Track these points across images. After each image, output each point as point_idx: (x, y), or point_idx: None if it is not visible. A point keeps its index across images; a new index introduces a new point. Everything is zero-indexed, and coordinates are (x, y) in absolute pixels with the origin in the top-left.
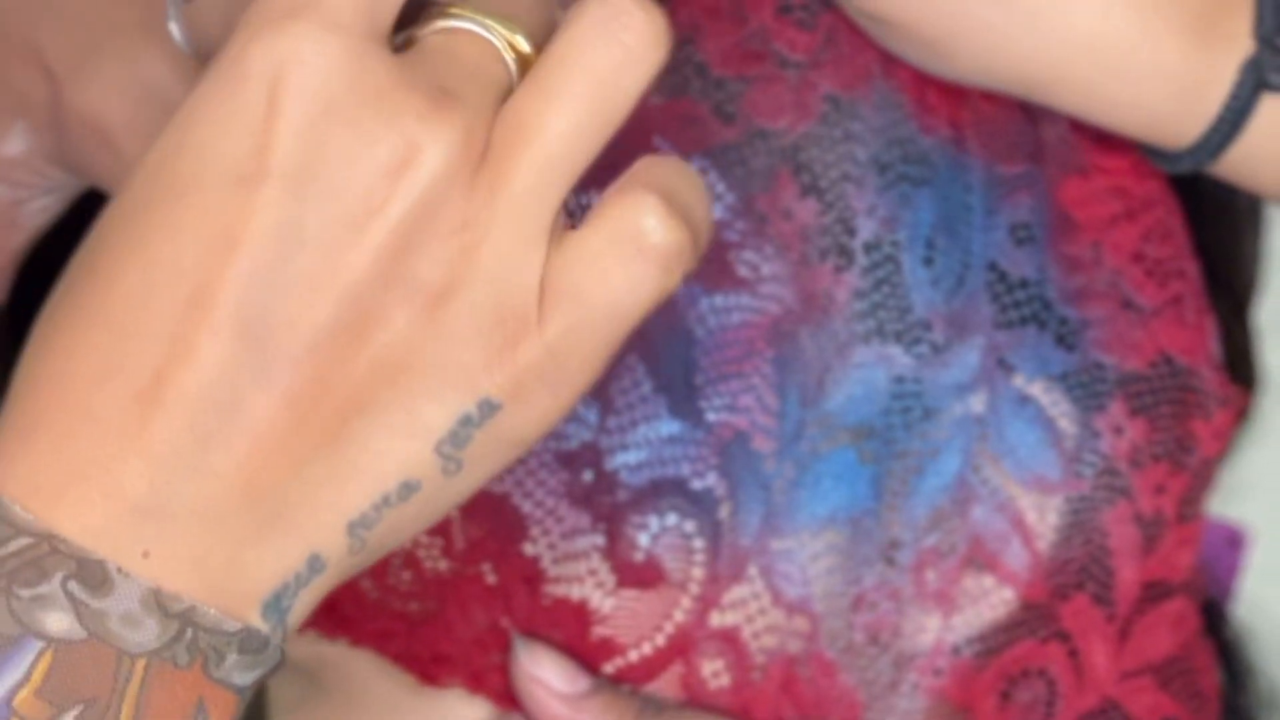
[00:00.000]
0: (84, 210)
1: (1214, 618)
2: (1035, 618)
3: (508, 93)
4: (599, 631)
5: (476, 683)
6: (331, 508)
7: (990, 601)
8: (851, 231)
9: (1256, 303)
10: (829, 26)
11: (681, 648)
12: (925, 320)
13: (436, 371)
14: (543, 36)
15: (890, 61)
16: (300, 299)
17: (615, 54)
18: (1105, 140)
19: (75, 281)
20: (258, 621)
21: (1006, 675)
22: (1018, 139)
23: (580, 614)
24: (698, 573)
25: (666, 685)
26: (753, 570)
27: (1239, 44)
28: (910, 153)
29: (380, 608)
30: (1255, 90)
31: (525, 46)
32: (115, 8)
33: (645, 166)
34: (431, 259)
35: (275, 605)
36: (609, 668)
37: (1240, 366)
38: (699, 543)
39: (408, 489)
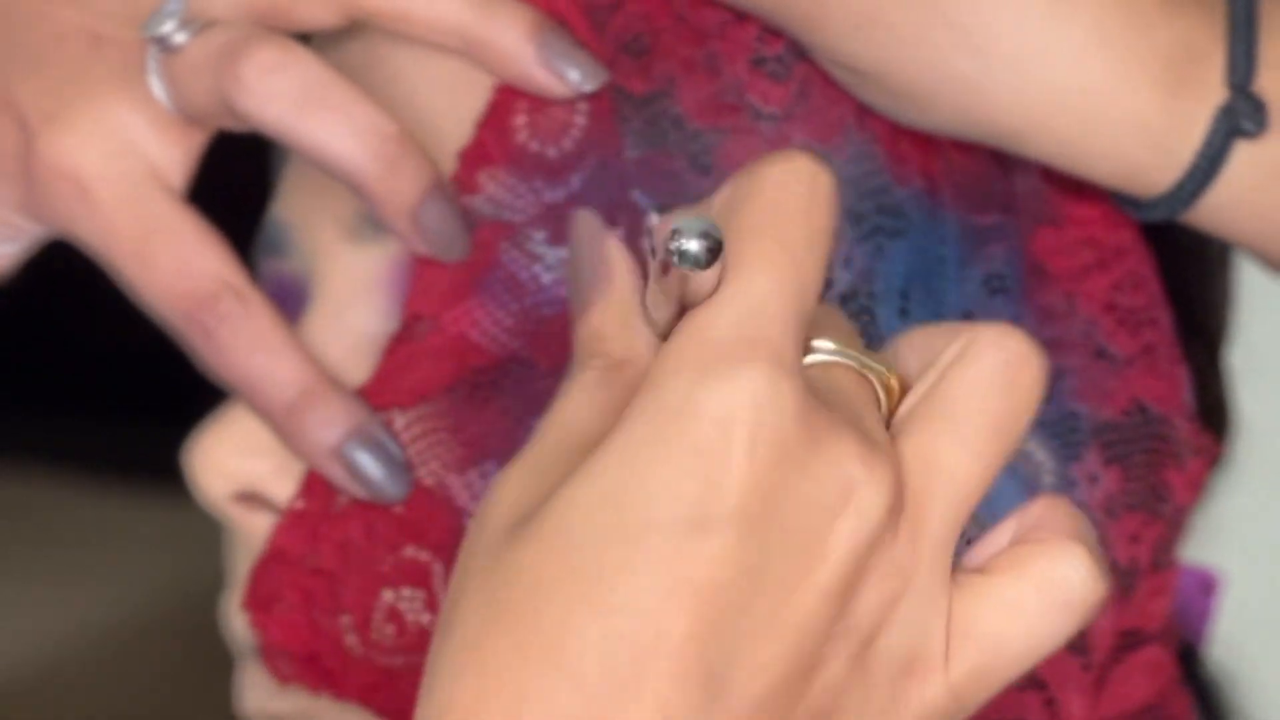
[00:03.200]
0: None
1: (1189, 662)
2: None
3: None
4: None
5: None
6: None
7: None
8: (828, 283)
9: (1228, 347)
10: (802, 78)
11: None
12: None
13: (853, 715)
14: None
15: (863, 113)
16: (757, 644)
17: (1015, 399)
18: (1077, 190)
19: (501, 610)
20: None
21: None
22: (991, 190)
23: None
24: None
25: None
26: None
27: (1212, 91)
28: (885, 204)
29: (364, 662)
30: (1228, 138)
31: (896, 383)
32: (90, 59)
33: (1057, 514)
34: (867, 603)
35: None
36: None
37: (1215, 411)
38: None
39: None
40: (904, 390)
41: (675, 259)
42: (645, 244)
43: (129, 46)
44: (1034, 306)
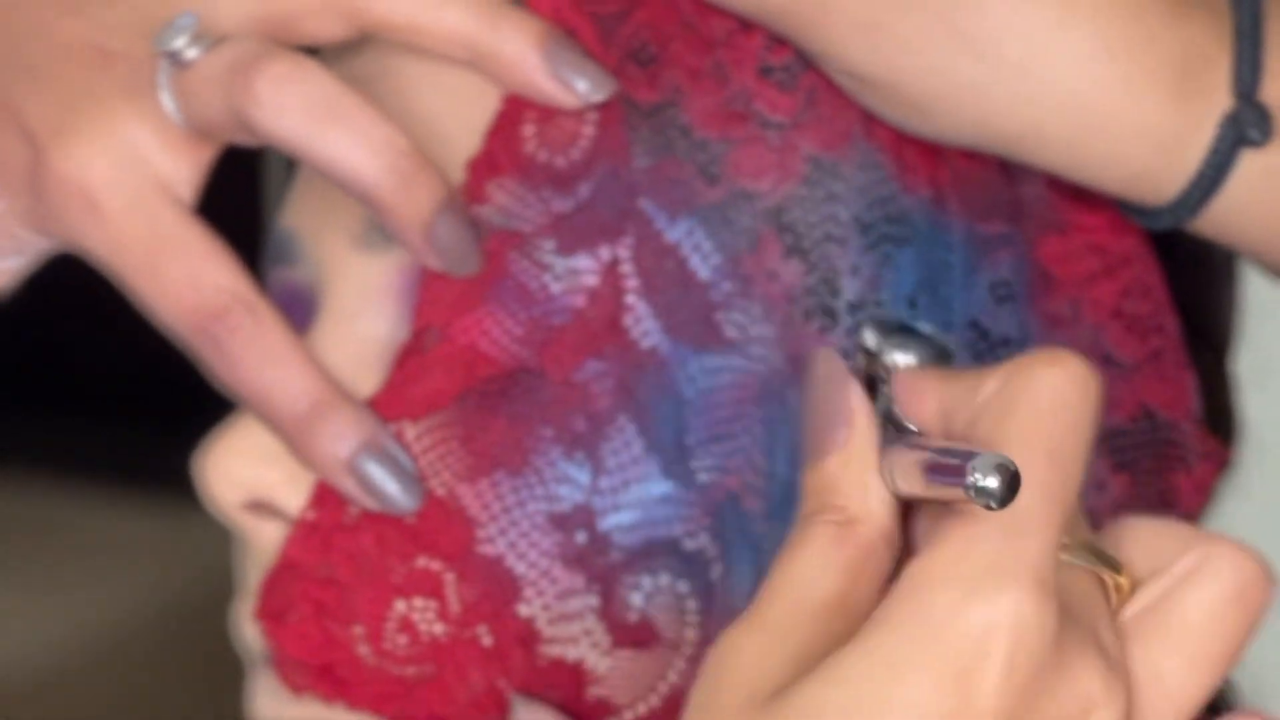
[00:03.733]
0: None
1: None
2: None
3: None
4: (595, 692)
5: None
6: None
7: None
8: (835, 292)
9: (1234, 354)
10: (809, 87)
11: (677, 708)
12: None
13: None
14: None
15: (870, 121)
16: None
17: (1246, 621)
18: (1082, 197)
19: None
20: None
21: None
22: (997, 198)
23: (576, 675)
24: (691, 634)
25: None
26: None
27: (1218, 99)
28: (892, 212)
29: (377, 672)
30: (1234, 146)
31: (1127, 585)
32: (98, 73)
33: None
34: None
35: None
36: None
37: (1221, 419)
38: (692, 603)
39: None
40: (1132, 588)
41: (971, 493)
42: (854, 364)
43: (138, 60)
44: (1040, 314)
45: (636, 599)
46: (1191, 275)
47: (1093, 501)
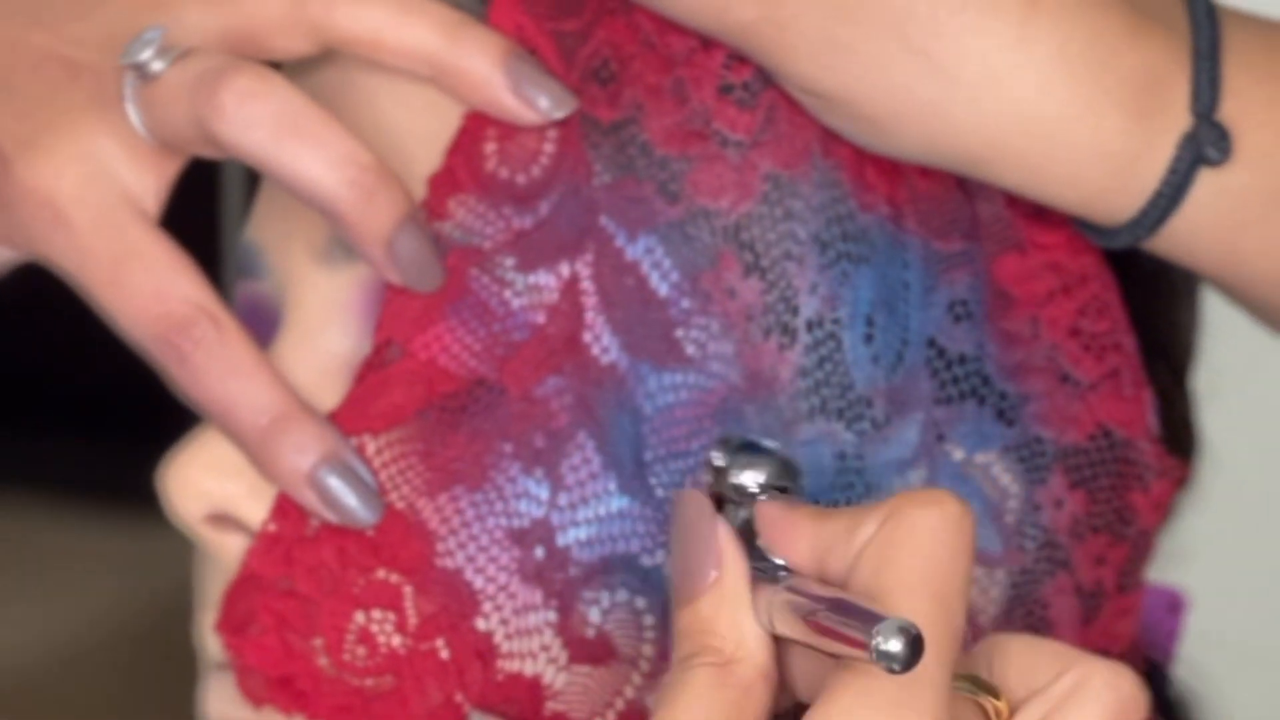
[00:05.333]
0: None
1: (1157, 681)
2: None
3: None
4: (552, 707)
5: None
6: None
7: None
8: (794, 310)
9: (1193, 370)
10: (769, 105)
11: None
12: (866, 397)
13: None
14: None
15: (829, 139)
16: None
17: None
18: (1040, 216)
19: None
20: None
21: None
22: (955, 216)
23: (533, 689)
24: (648, 649)
25: None
26: None
27: (1176, 118)
28: (850, 230)
29: (336, 684)
30: (1193, 165)
31: (1005, 710)
32: (66, 86)
33: None
34: None
35: None
36: None
37: (1181, 434)
38: (649, 619)
39: None
40: (1011, 712)
41: (874, 657)
42: (703, 479)
43: (105, 74)
44: (998, 332)
45: (594, 614)
46: (1154, 291)
47: (1049, 519)
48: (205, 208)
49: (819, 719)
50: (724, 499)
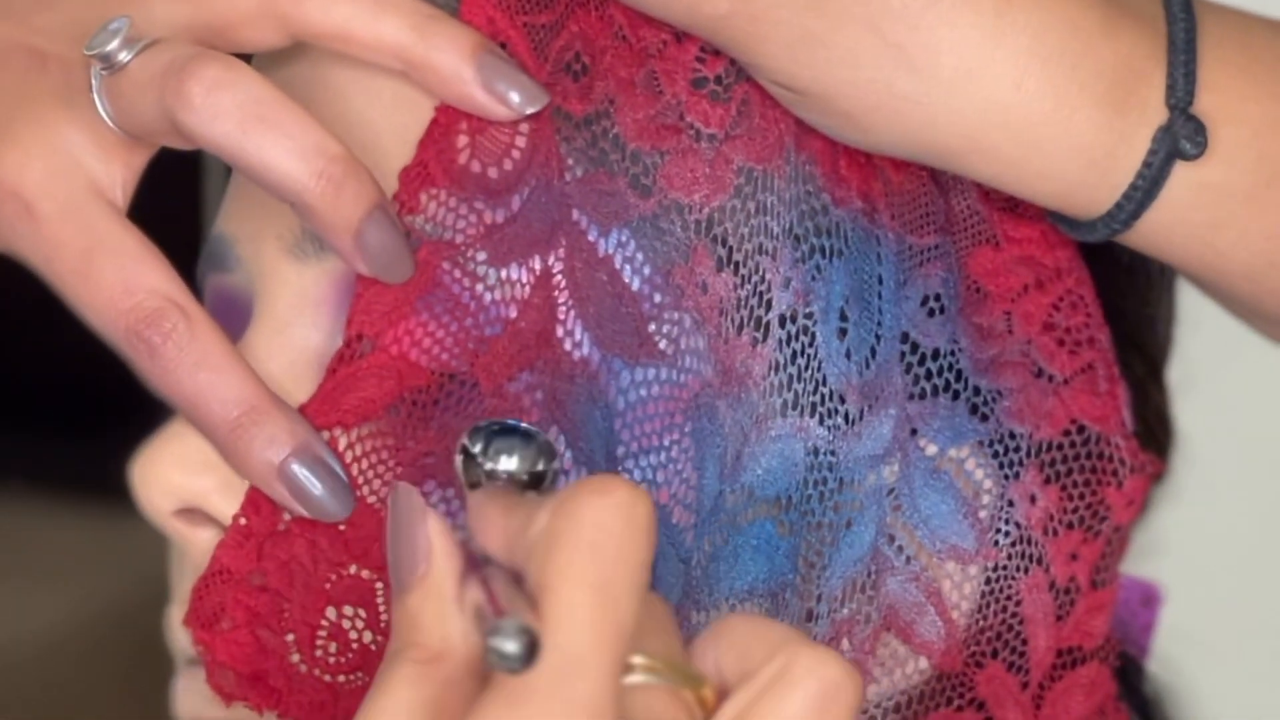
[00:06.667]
0: None
1: (1132, 676)
2: (950, 686)
3: None
4: None
5: None
6: None
7: (905, 671)
8: (767, 305)
9: (1169, 364)
10: (742, 99)
11: None
12: (839, 392)
13: None
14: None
15: (803, 132)
16: None
17: None
18: (1015, 210)
19: None
20: None
21: None
22: (929, 210)
23: None
24: None
25: None
26: None
27: (1152, 112)
28: (823, 224)
29: (308, 680)
30: (1168, 159)
31: (711, 697)
32: (33, 77)
33: None
34: None
35: None
36: None
37: (1157, 427)
38: None
39: None
40: (719, 698)
41: (492, 658)
42: (456, 463)
43: (72, 64)
44: (972, 326)
45: None
46: (1130, 286)
47: (1023, 514)
48: (187, 199)
49: (475, 717)
50: (478, 486)
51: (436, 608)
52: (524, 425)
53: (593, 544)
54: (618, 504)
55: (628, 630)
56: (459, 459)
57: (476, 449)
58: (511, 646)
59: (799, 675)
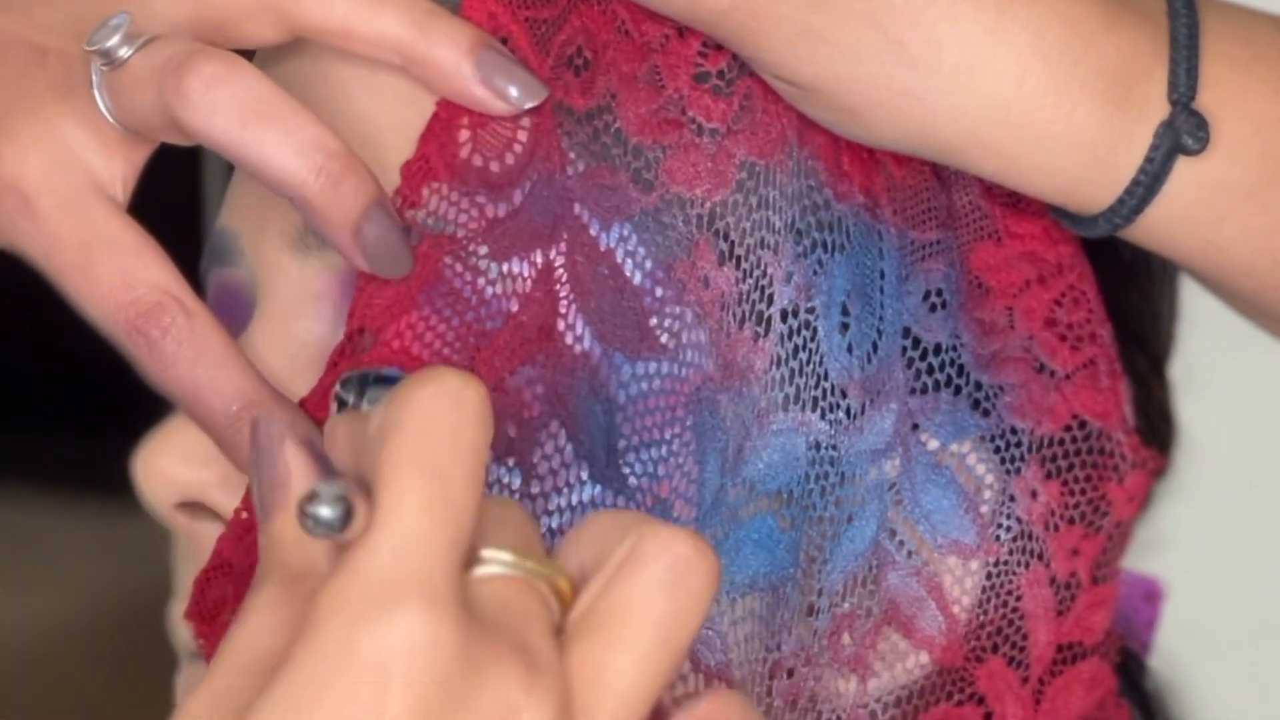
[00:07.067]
0: None
1: (1134, 671)
2: (951, 681)
3: (556, 628)
4: None
5: None
6: None
7: (906, 665)
8: (769, 299)
9: (1171, 360)
10: (744, 93)
11: None
12: (841, 387)
13: None
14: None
15: (805, 127)
16: None
17: (681, 604)
18: (1017, 205)
19: None
20: None
21: None
22: (931, 205)
23: None
24: None
25: None
26: None
27: (1154, 107)
28: (825, 219)
29: None
30: (1169, 155)
31: (566, 586)
32: (33, 72)
33: (730, 713)
34: None
35: None
36: None
37: (1159, 423)
38: None
39: None
40: (576, 590)
41: (309, 524)
42: (332, 407)
43: (72, 59)
44: (974, 322)
45: None
46: (1132, 282)
47: (1024, 509)
48: (187, 195)
49: (316, 599)
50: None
51: (297, 529)
52: (393, 371)
53: (420, 429)
54: (445, 390)
55: (465, 512)
56: (333, 406)
57: (350, 398)
58: (326, 511)
59: (648, 554)
